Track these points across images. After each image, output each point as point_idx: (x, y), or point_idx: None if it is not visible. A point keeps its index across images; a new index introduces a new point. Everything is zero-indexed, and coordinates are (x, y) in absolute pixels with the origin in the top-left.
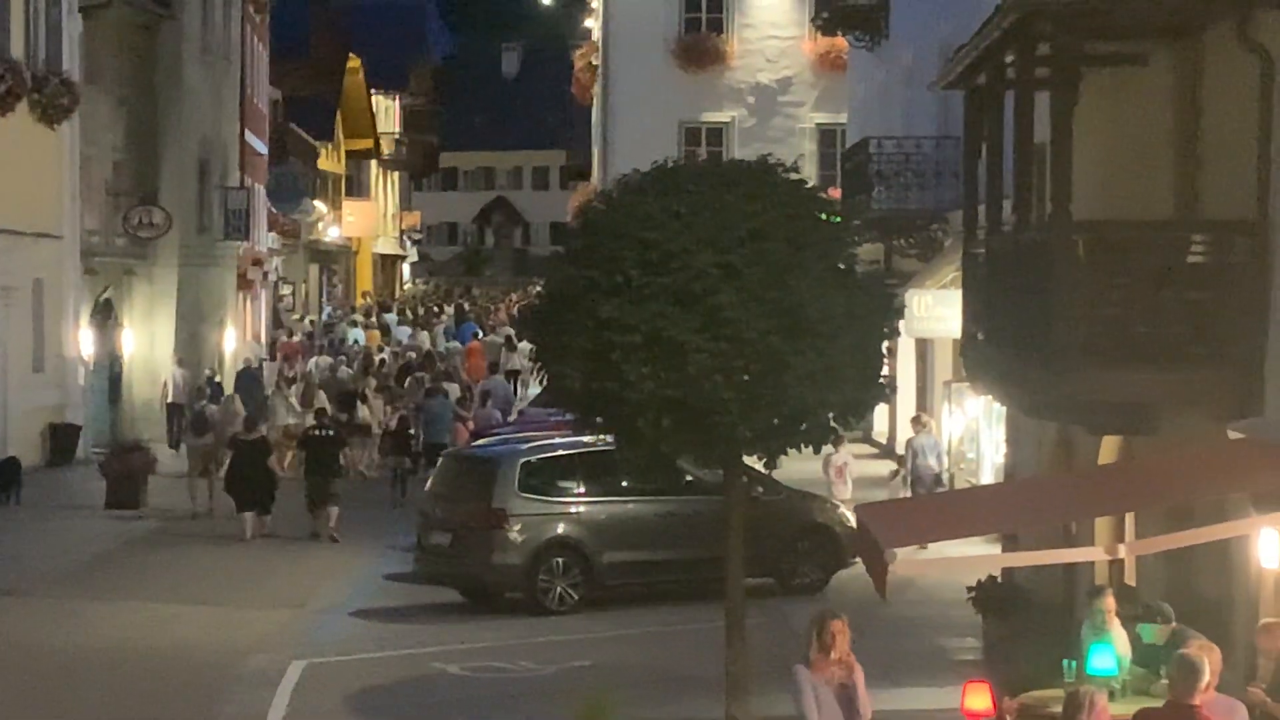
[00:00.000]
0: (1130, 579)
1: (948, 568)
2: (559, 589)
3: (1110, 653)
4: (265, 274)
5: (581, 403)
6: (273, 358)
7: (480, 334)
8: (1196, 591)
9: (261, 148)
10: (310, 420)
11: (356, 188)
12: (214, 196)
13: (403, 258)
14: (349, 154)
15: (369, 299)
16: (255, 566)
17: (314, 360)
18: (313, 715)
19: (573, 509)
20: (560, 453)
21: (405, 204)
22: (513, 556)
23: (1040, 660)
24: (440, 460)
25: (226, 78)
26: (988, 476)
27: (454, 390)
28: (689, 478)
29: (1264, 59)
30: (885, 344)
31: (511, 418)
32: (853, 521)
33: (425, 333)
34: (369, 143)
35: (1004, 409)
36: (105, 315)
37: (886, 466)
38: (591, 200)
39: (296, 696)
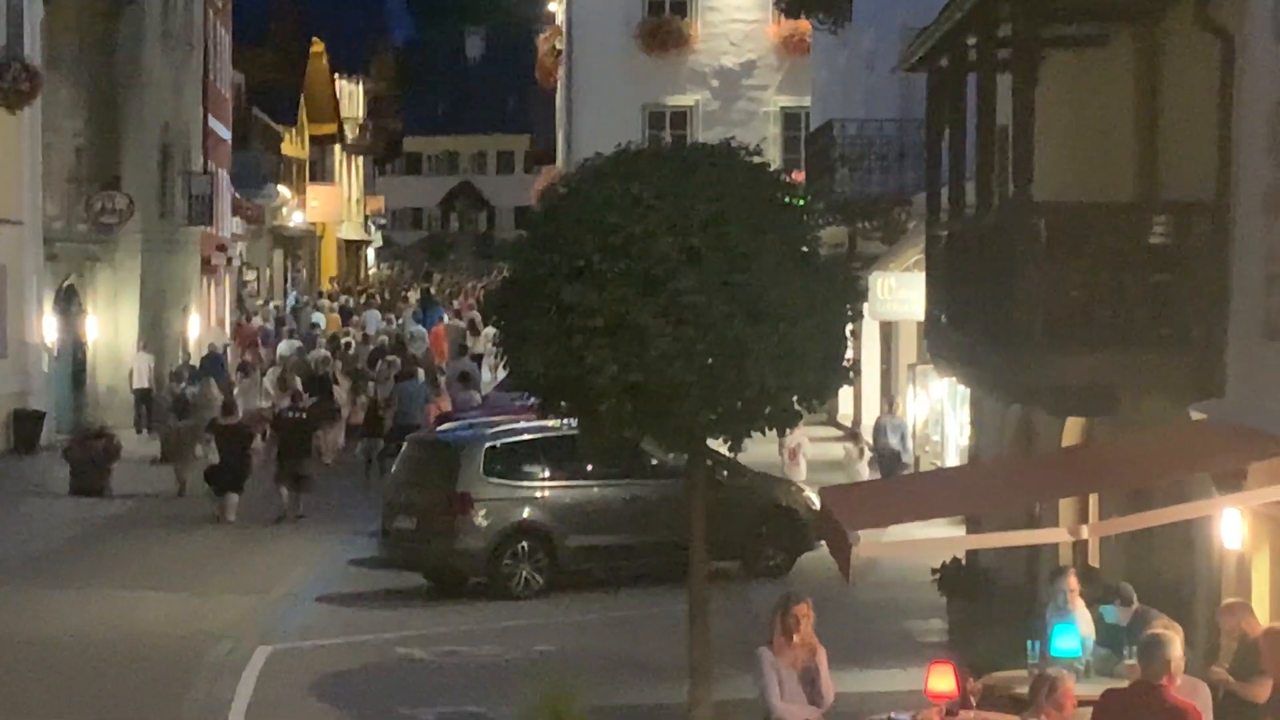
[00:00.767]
0: (1093, 560)
1: (912, 550)
2: (523, 574)
3: (1074, 634)
4: (229, 260)
5: (544, 387)
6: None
7: (446, 319)
8: (1159, 572)
9: (225, 133)
10: (285, 402)
11: (320, 173)
12: (177, 182)
13: (367, 243)
14: (312, 139)
15: (335, 284)
16: (220, 552)
17: (285, 344)
18: (278, 701)
19: (537, 494)
20: (524, 437)
21: (369, 189)
22: (477, 541)
23: (1004, 642)
24: (404, 445)
25: (189, 63)
26: (952, 459)
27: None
28: (653, 462)
29: (1224, 40)
30: (848, 327)
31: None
32: (817, 504)
33: (394, 316)
34: (332, 128)
35: (968, 391)
36: (68, 301)
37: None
38: (554, 185)
39: (261, 683)
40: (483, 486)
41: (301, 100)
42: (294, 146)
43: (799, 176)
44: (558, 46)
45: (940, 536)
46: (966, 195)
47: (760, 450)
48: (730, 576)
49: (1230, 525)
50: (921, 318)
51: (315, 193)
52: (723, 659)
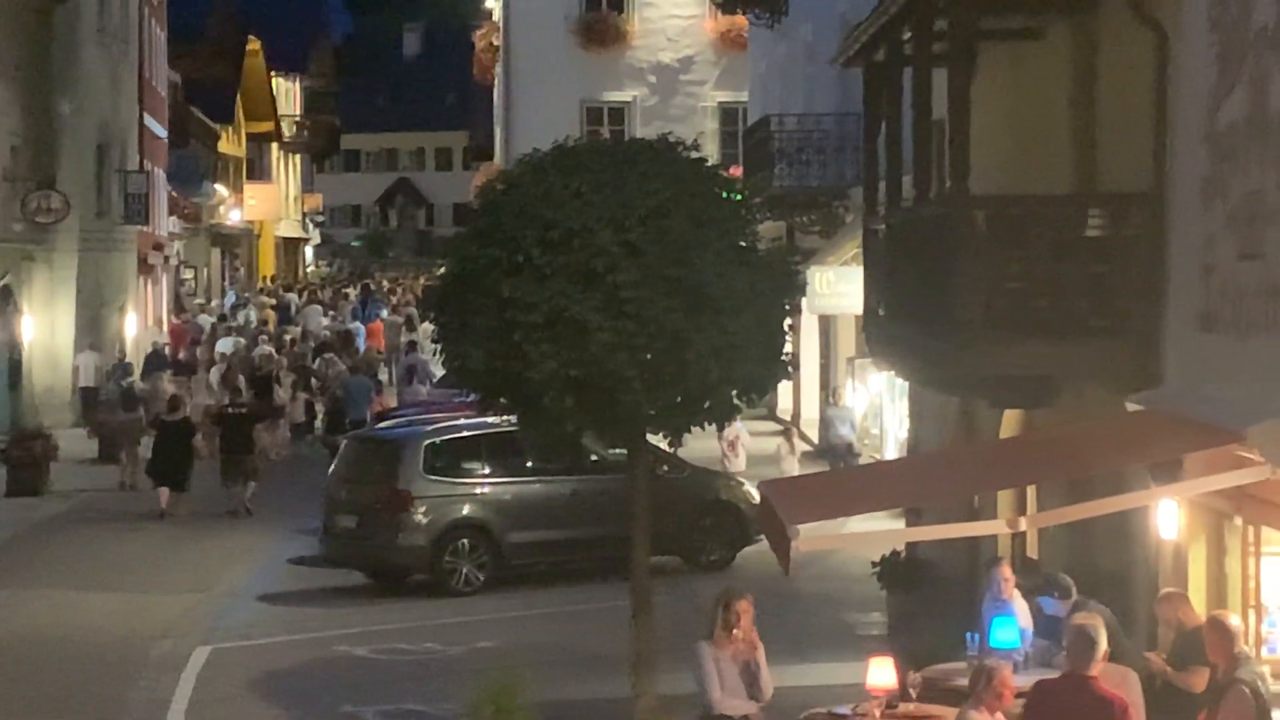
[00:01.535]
0: (1032, 551)
1: (852, 543)
2: (465, 570)
3: (1013, 625)
4: (166, 258)
5: (484, 383)
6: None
7: (386, 314)
8: (1097, 563)
9: (161, 131)
10: (227, 399)
11: (258, 171)
12: (113, 180)
13: (305, 240)
14: (249, 137)
15: (273, 282)
16: (161, 551)
17: (229, 340)
18: (218, 700)
19: (478, 490)
20: (465, 434)
21: (307, 186)
22: (418, 538)
23: (944, 634)
24: (344, 443)
25: (124, 60)
26: (891, 451)
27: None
28: (594, 457)
29: (1158, 32)
30: (787, 321)
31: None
32: (756, 498)
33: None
34: (270, 125)
35: (906, 384)
36: (4, 301)
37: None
38: (493, 180)
39: (201, 682)
40: (423, 483)
41: (238, 98)
42: (231, 144)
43: (737, 171)
44: (495, 43)
45: (880, 529)
46: (904, 188)
47: (699, 445)
48: (673, 570)
49: (1167, 516)
50: (860, 311)
51: (253, 191)
52: (666, 652)
